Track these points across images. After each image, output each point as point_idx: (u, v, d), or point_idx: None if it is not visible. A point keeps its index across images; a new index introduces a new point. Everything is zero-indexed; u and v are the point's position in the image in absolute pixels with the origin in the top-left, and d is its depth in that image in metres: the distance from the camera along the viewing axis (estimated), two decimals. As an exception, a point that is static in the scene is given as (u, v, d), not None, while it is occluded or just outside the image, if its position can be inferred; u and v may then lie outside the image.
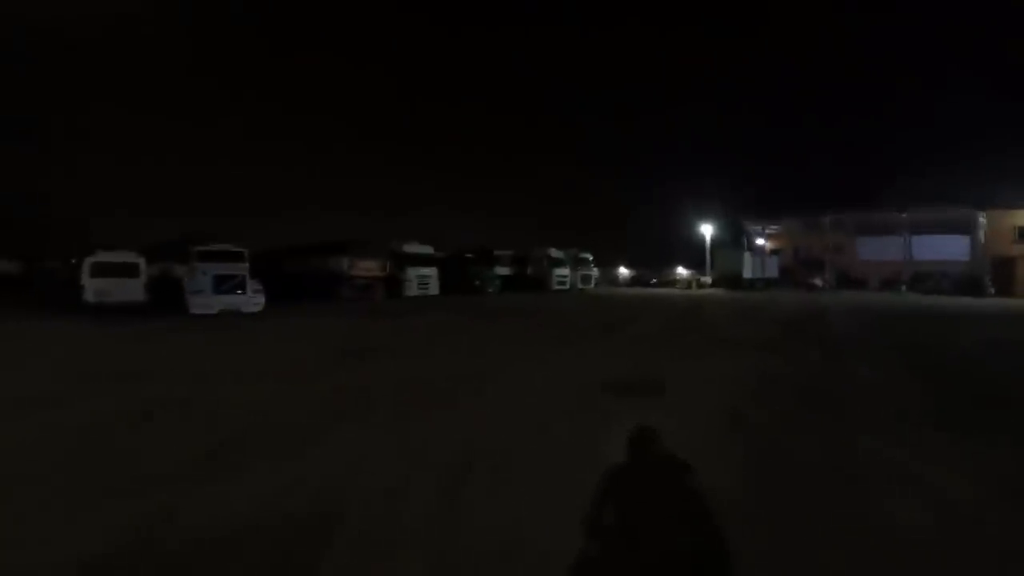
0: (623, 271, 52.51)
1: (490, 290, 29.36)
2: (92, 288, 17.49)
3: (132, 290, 18.07)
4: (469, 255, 31.13)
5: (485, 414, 4.93)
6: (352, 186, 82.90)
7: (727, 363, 7.38)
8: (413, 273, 25.82)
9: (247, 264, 17.98)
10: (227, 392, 5.75)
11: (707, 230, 48.13)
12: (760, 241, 49.59)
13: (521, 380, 6.43)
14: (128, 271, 18.19)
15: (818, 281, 39.02)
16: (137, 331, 11.39)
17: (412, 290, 25.66)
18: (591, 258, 37.47)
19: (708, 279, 42.68)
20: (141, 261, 18.48)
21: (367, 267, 24.07)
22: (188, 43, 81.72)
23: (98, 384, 6.09)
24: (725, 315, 15.26)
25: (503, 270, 32.00)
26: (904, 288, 35.88)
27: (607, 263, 50.60)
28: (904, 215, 41.64)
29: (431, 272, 26.48)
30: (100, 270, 17.71)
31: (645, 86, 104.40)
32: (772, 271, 41.75)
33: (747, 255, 40.64)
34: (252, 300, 16.98)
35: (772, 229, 48.96)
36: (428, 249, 27.23)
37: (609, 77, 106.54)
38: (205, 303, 16.32)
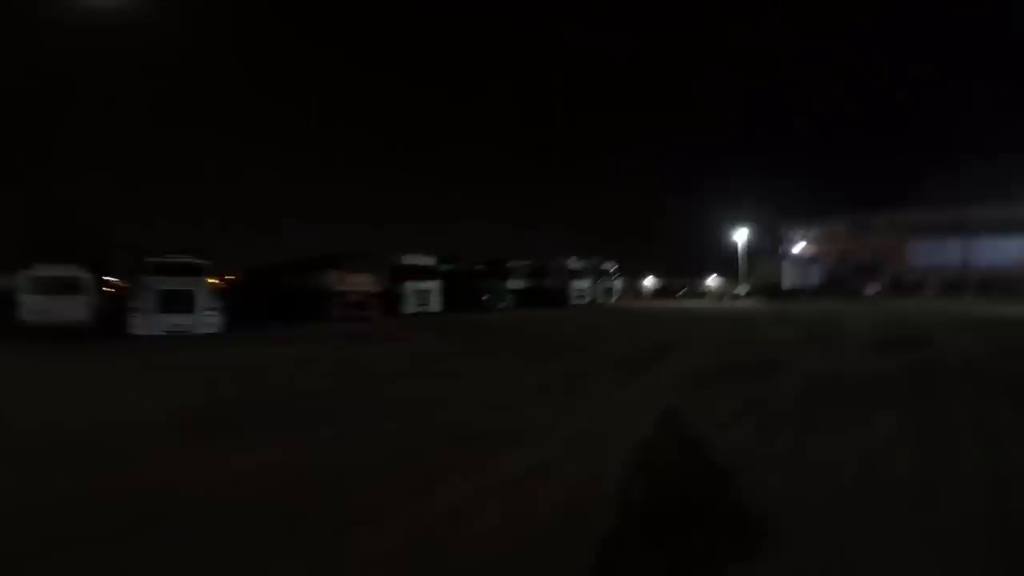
0: (649, 281, 48.84)
1: (501, 305, 26.23)
2: (29, 306, 15.21)
3: (74, 308, 15.68)
4: (478, 267, 28.13)
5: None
6: (371, 198, 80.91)
7: (879, 454, 4.06)
8: (411, 288, 22.89)
9: (205, 278, 15.44)
10: None
11: (741, 235, 44.30)
12: (799, 246, 45.45)
13: (476, 493, 3.28)
14: (70, 287, 15.81)
15: (872, 289, 34.82)
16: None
17: (410, 307, 22.71)
18: (615, 268, 34.07)
19: (743, 289, 38.84)
20: (85, 276, 16.10)
21: (358, 282, 21.20)
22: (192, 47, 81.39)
23: None
24: (791, 338, 11.81)
25: (518, 283, 28.83)
26: (972, 295, 31.59)
27: (633, 273, 47.12)
28: (967, 213, 37.21)
29: (432, 287, 23.50)
30: (38, 286, 15.41)
31: (668, 85, 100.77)
32: (815, 279, 37.73)
33: (787, 262, 36.76)
34: (203, 320, 14.34)
35: (813, 233, 44.76)
36: (429, 260, 24.31)
37: (629, 77, 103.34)
38: (147, 323, 13.80)
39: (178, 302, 14.13)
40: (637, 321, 18.21)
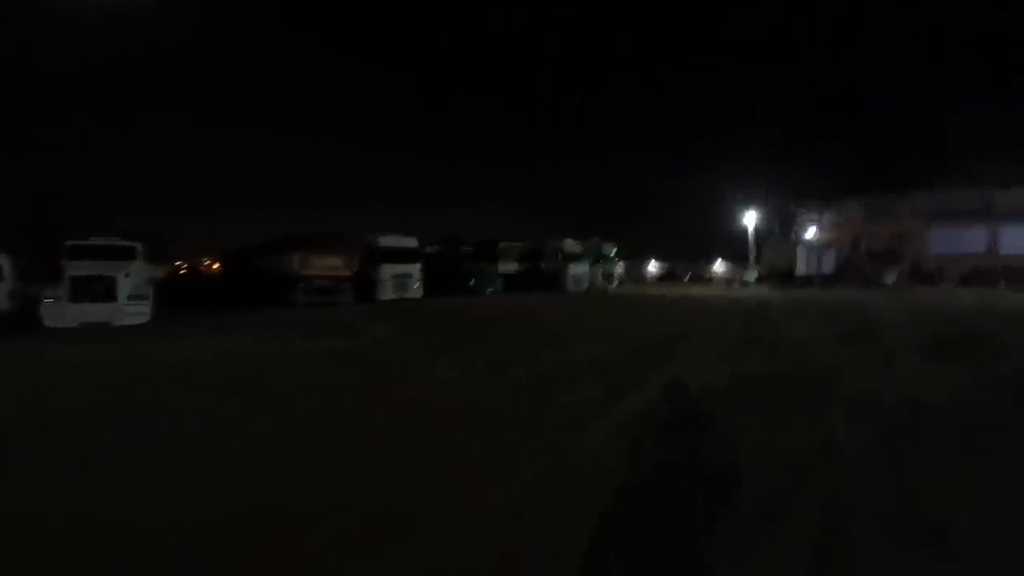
0: (652, 266, 46.63)
1: (489, 291, 24.17)
2: None
3: None
4: (466, 249, 26.00)
5: None
6: (365, 184, 78.91)
7: None
8: (389, 272, 20.82)
9: (134, 263, 13.48)
10: None
11: (750, 218, 41.86)
12: (811, 231, 42.92)
13: None
14: None
15: (890, 277, 32.47)
16: None
17: (387, 292, 20.66)
18: (615, 251, 31.86)
19: (752, 275, 36.54)
20: (4, 263, 14.20)
21: (327, 265, 19.16)
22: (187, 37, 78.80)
23: None
24: (819, 337, 9.70)
25: (509, 266, 26.74)
26: (1002, 284, 29.32)
27: (635, 257, 44.93)
28: (994, 197, 34.59)
29: (412, 270, 21.40)
30: None
31: (670, 63, 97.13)
32: (828, 265, 35.44)
33: (800, 247, 34.41)
34: (127, 310, 12.38)
35: (827, 217, 42.12)
36: (411, 242, 22.17)
37: (628, 58, 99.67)
38: (58, 313, 11.88)
39: (95, 290, 12.15)
40: (636, 310, 16.13)
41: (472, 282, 23.66)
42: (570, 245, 28.31)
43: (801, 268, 33.42)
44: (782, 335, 9.58)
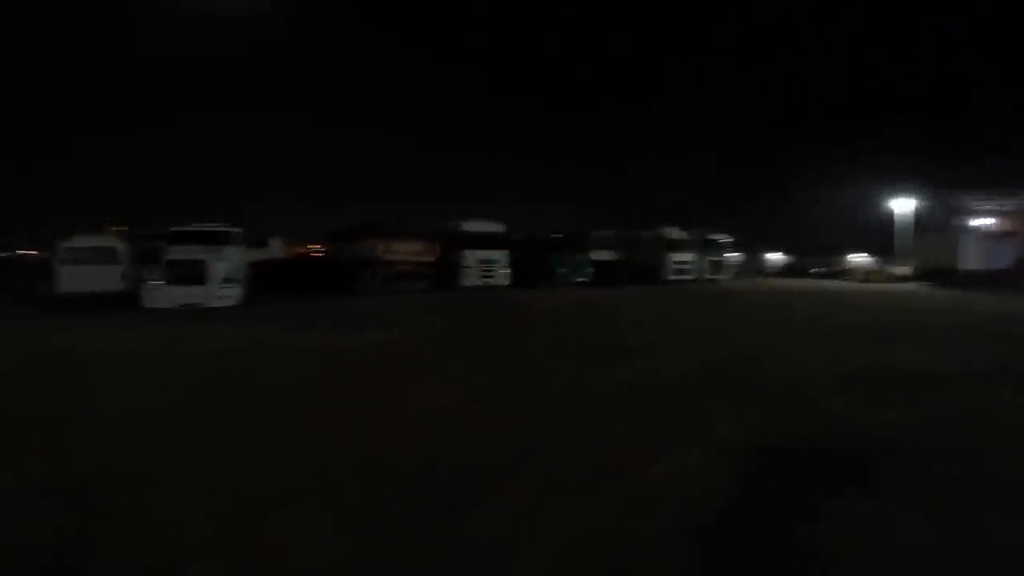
0: (774, 257, 41.66)
1: (580, 280, 22.58)
2: (65, 275, 15.00)
3: (108, 278, 15.32)
4: (556, 236, 24.56)
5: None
6: (454, 177, 79.69)
7: None
8: (473, 258, 20.11)
9: (229, 248, 14.18)
10: None
11: (900, 207, 35.50)
12: (979, 222, 35.24)
13: None
14: (105, 257, 15.46)
15: (1093, 278, 25.55)
16: None
17: (472, 279, 20.04)
18: (726, 240, 28.55)
19: (904, 270, 30.72)
20: (120, 246, 15.70)
21: (409, 250, 18.95)
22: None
23: None
24: (994, 368, 7.06)
25: (603, 255, 24.87)
26: None
27: (754, 248, 40.37)
28: None
29: (498, 257, 20.55)
30: (74, 256, 15.22)
31: (817, 34, 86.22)
32: (1004, 262, 28.85)
33: (966, 239, 28.29)
34: (218, 292, 12.97)
35: (1002, 206, 34.34)
36: (497, 228, 21.27)
37: (776, 28, 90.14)
38: (156, 295, 12.74)
39: (189, 274, 12.88)
40: (736, 308, 13.70)
41: (561, 272, 22.25)
42: (673, 233, 25.75)
43: (967, 264, 27.52)
44: (933, 362, 7.03)
